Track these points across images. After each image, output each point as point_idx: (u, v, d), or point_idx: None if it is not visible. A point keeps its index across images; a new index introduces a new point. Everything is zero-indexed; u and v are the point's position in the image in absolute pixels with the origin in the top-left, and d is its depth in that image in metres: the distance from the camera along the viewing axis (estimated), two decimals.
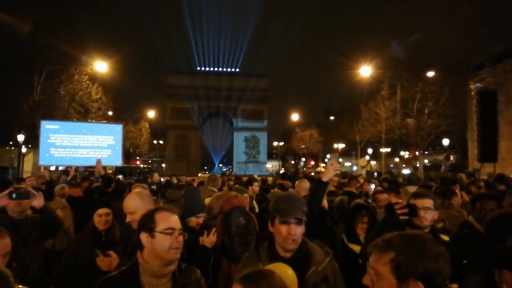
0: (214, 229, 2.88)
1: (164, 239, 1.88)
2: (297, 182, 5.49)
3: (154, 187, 7.73)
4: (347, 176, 9.09)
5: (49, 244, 4.53)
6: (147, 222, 1.94)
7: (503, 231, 2.36)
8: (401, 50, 28.37)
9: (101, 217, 3.78)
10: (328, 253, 2.17)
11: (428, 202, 2.65)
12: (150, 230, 1.91)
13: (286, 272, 1.82)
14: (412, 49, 28.72)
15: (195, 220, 3.21)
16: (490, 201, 3.25)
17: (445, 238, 2.91)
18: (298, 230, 2.06)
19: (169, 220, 1.94)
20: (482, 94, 19.33)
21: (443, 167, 23.32)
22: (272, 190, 6.45)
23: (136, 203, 2.75)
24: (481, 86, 23.12)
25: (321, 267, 2.07)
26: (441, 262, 1.31)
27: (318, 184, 2.95)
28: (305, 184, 5.07)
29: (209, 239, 2.90)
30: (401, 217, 2.29)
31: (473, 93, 22.82)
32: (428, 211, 2.63)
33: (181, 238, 1.93)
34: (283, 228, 2.06)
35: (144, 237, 1.92)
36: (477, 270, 2.37)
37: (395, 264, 1.30)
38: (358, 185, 6.78)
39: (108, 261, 2.56)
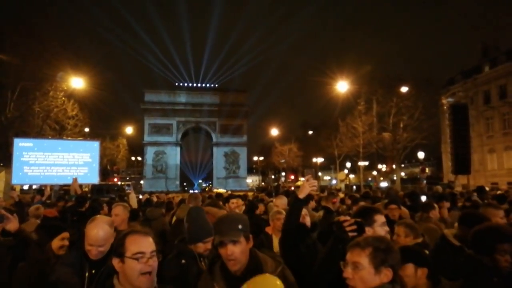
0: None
1: (133, 264, 1.82)
2: (274, 199, 5.52)
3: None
4: (326, 190, 9.21)
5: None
6: (118, 247, 1.89)
7: (490, 243, 2.43)
8: None
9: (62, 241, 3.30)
10: (280, 262, 2.21)
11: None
12: (121, 255, 1.85)
13: (274, 283, 1.80)
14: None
15: (203, 246, 2.86)
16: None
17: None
18: (236, 249, 2.07)
19: (138, 244, 1.86)
20: (454, 108, 20.02)
21: (423, 182, 23.80)
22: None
23: (107, 234, 2.64)
24: (452, 101, 23.92)
25: None
26: (399, 255, 1.81)
27: (294, 201, 2.93)
28: (283, 200, 5.10)
29: None
30: (350, 234, 2.34)
31: (445, 107, 23.58)
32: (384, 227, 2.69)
33: (152, 261, 1.84)
34: (222, 251, 2.09)
35: (115, 262, 1.87)
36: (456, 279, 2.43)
37: (373, 256, 1.75)
38: (334, 200, 6.83)
39: None
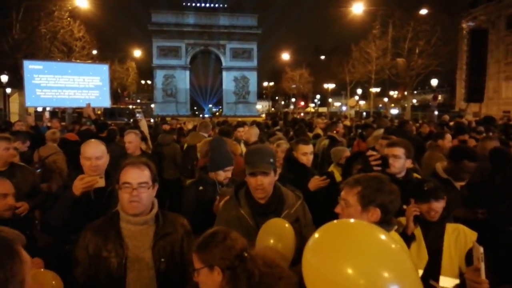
0: (228, 197, 2.75)
1: (123, 192, 2.00)
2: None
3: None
4: (335, 117, 9.27)
5: (45, 188, 4.68)
6: (118, 174, 2.07)
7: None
8: None
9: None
10: (299, 196, 2.39)
11: (398, 151, 2.89)
12: (118, 182, 2.04)
13: (283, 225, 2.04)
14: None
15: (223, 174, 3.04)
16: (471, 163, 3.28)
17: (415, 175, 3.20)
18: (265, 180, 2.22)
19: (127, 174, 2.01)
20: (473, 33, 19.15)
21: (434, 109, 23.55)
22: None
23: (103, 147, 2.80)
24: (473, 25, 22.75)
25: (293, 209, 2.29)
26: (393, 196, 1.78)
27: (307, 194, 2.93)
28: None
29: (217, 208, 2.78)
30: (375, 168, 2.54)
31: (464, 32, 22.50)
32: (397, 160, 2.89)
33: (137, 192, 1.98)
34: (252, 180, 2.23)
35: (117, 187, 2.07)
36: None
37: (361, 195, 1.76)
38: (337, 129, 6.95)
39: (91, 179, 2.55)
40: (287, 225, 2.05)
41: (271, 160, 2.27)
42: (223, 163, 3.05)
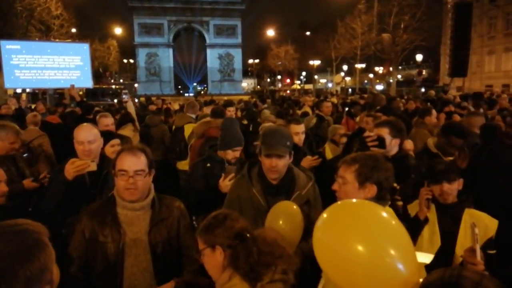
0: (233, 174, 2.81)
1: (119, 179, 1.99)
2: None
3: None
4: (321, 94, 9.25)
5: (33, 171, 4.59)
6: (114, 160, 2.05)
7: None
8: None
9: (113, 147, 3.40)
10: (311, 177, 2.40)
11: (383, 131, 2.90)
12: (114, 168, 2.03)
13: (291, 208, 2.08)
14: None
15: (232, 154, 3.10)
16: (458, 139, 3.35)
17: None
18: (280, 163, 2.23)
19: (123, 161, 1.99)
20: (458, 7, 19.15)
21: (418, 84, 23.75)
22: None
23: (95, 131, 2.81)
24: None
25: (304, 191, 2.30)
26: (388, 173, 1.85)
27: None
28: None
29: (224, 184, 2.83)
30: (372, 149, 2.58)
31: (449, 6, 22.48)
32: (388, 140, 2.89)
33: (133, 180, 1.96)
34: (267, 161, 2.23)
35: (112, 173, 2.06)
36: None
37: (358, 172, 1.82)
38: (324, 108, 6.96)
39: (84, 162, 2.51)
40: (295, 207, 2.08)
41: (288, 143, 2.27)
42: (232, 142, 3.11)
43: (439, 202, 2.32)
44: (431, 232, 2.26)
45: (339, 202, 1.32)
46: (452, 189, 2.29)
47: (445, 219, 2.28)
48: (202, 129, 4.13)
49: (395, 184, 2.39)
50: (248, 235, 1.60)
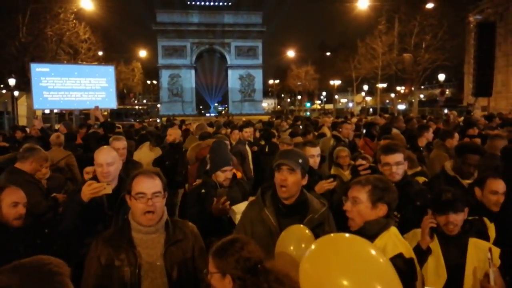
0: (224, 197, 2.82)
1: (137, 203, 2.00)
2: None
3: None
4: (342, 115, 9.19)
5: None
6: (128, 184, 2.07)
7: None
8: None
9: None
10: (324, 204, 2.36)
11: (399, 157, 2.76)
12: (129, 193, 2.04)
13: (303, 232, 2.03)
14: None
15: (222, 175, 3.05)
16: (474, 156, 3.23)
17: (422, 179, 3.24)
18: (290, 178, 2.19)
19: (141, 184, 2.01)
20: (480, 26, 18.88)
21: (441, 104, 23.31)
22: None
23: (114, 154, 2.87)
24: (480, 18, 22.45)
25: (317, 215, 2.25)
26: (396, 195, 1.98)
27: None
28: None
29: (216, 207, 2.83)
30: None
31: (472, 25, 22.24)
32: (400, 166, 2.76)
33: (152, 202, 1.98)
34: (277, 175, 2.22)
35: (127, 198, 2.07)
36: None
37: (371, 193, 1.93)
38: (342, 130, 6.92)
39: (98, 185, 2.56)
40: (307, 231, 2.03)
41: (300, 161, 2.26)
42: (220, 163, 3.09)
43: (441, 232, 2.22)
44: (436, 265, 2.15)
45: (329, 235, 1.37)
46: (458, 219, 2.19)
47: (450, 251, 2.18)
48: (194, 153, 4.19)
49: (395, 213, 2.33)
50: (261, 269, 1.55)
